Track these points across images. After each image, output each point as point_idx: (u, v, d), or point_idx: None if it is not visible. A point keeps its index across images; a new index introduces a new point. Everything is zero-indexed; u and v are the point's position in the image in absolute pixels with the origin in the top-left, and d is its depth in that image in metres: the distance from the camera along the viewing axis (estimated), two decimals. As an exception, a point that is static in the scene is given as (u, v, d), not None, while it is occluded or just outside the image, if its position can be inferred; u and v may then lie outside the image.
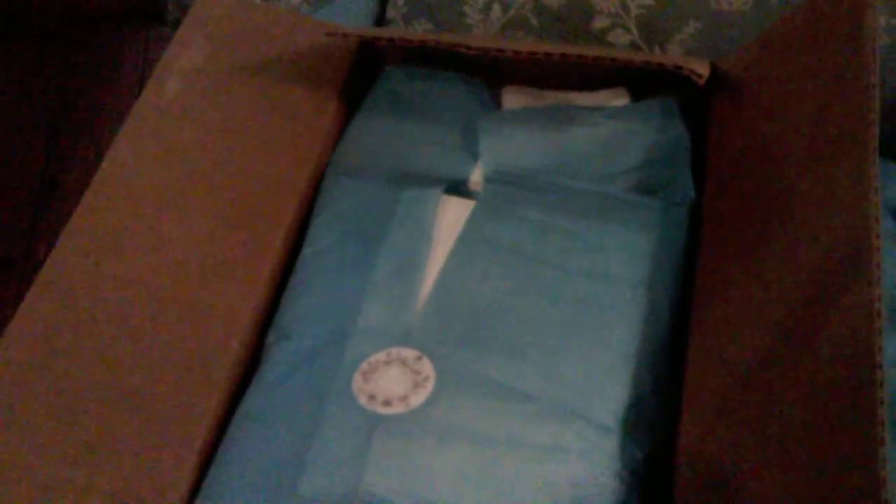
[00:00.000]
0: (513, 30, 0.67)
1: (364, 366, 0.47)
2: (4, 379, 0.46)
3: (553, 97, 0.61)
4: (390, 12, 0.72)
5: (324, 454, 0.43)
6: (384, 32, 0.64)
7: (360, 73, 0.64)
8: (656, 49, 0.64)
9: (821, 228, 0.39)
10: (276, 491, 0.43)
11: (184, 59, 0.59)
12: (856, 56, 0.42)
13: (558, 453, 0.43)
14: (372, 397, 0.45)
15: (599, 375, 0.46)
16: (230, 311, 0.50)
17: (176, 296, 0.49)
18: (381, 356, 0.47)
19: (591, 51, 0.56)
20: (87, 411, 0.45)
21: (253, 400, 0.48)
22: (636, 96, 0.60)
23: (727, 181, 0.51)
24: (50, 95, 1.21)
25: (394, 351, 0.47)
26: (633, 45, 0.64)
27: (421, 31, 0.70)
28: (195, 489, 0.45)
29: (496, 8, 0.67)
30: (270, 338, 0.51)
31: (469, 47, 0.55)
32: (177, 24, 0.64)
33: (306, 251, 0.54)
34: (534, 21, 0.66)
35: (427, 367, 0.46)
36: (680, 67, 0.52)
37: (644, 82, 0.58)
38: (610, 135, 0.56)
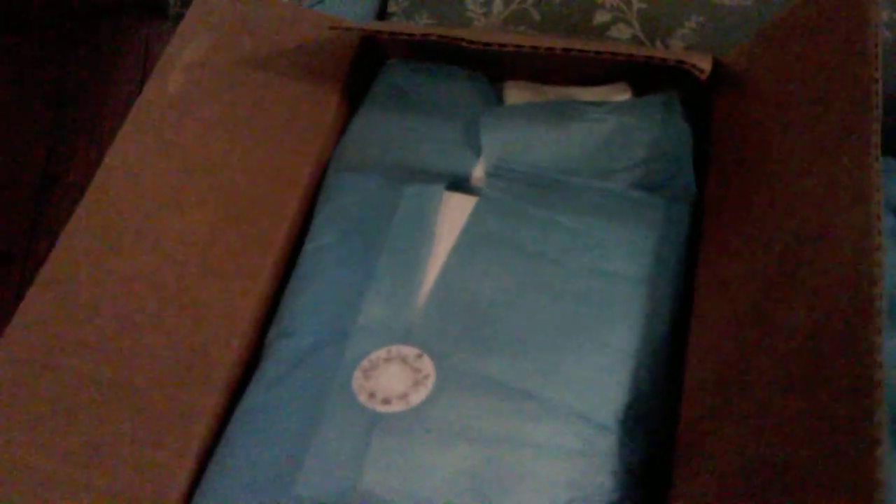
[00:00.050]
0: (514, 24, 0.67)
1: (364, 363, 0.47)
2: (4, 376, 0.46)
3: (555, 92, 0.61)
4: (392, 6, 0.72)
5: (322, 452, 0.43)
6: (386, 26, 0.64)
7: (363, 68, 0.64)
8: (658, 43, 0.64)
9: (822, 225, 0.39)
10: (274, 489, 0.43)
11: (186, 53, 0.59)
12: (858, 51, 0.42)
13: (557, 452, 0.43)
14: (372, 395, 0.45)
15: (599, 374, 0.46)
16: (231, 308, 0.50)
17: (177, 292, 0.49)
18: (381, 353, 0.47)
19: (593, 45, 0.56)
20: (87, 408, 0.45)
21: (253, 397, 0.48)
22: (638, 91, 0.59)
23: (729, 176, 0.50)
24: (51, 91, 1.21)
25: (394, 349, 0.47)
26: (635, 40, 0.64)
27: (423, 25, 0.69)
28: (194, 487, 0.45)
29: (498, 2, 0.67)
30: (271, 335, 0.51)
31: (471, 42, 0.55)
32: (178, 18, 0.64)
33: (308, 247, 0.54)
34: (535, 15, 0.66)
35: (427, 365, 0.46)
36: (682, 62, 0.52)
37: (646, 77, 0.58)
38: (612, 130, 0.56)
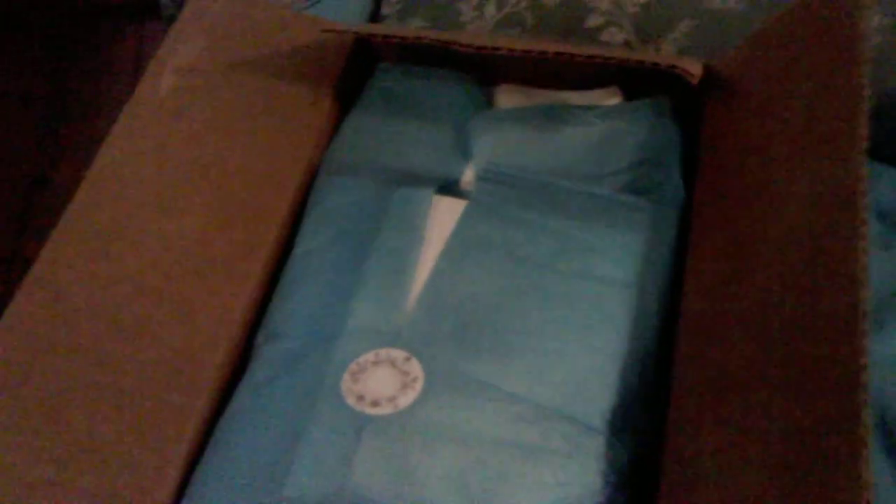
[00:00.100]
0: (507, 27, 0.67)
1: (353, 366, 0.46)
2: (-8, 377, 0.46)
3: (546, 96, 0.61)
4: (385, 9, 0.72)
5: (311, 454, 0.43)
6: (379, 29, 0.64)
7: (355, 70, 0.64)
8: (650, 47, 0.64)
9: (809, 229, 0.39)
10: (262, 491, 0.42)
11: (179, 55, 0.59)
12: (847, 56, 0.42)
13: (545, 454, 0.43)
14: (360, 398, 0.45)
15: (587, 376, 0.46)
16: (220, 311, 0.50)
17: (166, 295, 0.49)
18: (369, 357, 0.47)
19: (585, 50, 0.56)
20: (74, 410, 0.45)
21: (241, 400, 0.48)
22: (630, 95, 0.60)
23: (718, 181, 0.51)
24: (42, 91, 1.21)
25: (383, 352, 0.47)
26: (627, 44, 0.64)
27: (415, 28, 0.69)
28: (181, 489, 0.45)
29: (491, 5, 0.67)
30: (260, 338, 0.51)
31: (463, 45, 0.55)
32: (172, 19, 0.64)
33: (297, 250, 0.54)
34: (528, 19, 0.66)
35: (416, 367, 0.46)
36: (673, 66, 0.52)
37: (638, 81, 0.58)
38: (601, 135, 0.56)
